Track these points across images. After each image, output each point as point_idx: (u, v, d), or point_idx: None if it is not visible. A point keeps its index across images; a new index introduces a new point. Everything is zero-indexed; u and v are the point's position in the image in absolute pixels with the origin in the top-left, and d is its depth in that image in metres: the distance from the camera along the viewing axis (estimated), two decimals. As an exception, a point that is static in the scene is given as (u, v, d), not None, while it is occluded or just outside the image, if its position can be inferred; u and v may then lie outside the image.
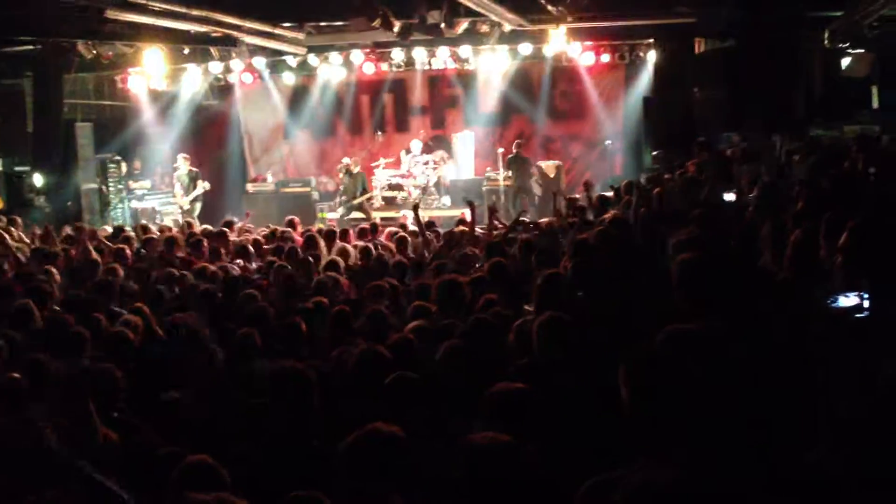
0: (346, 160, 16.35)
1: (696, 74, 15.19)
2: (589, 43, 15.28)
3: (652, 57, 15.58)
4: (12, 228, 11.73)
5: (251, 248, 9.83)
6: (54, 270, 8.47)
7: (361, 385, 4.45)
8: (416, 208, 10.64)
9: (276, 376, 4.04)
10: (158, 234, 11.34)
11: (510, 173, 16.31)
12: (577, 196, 12.47)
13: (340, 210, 16.20)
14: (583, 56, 15.71)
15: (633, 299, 5.35)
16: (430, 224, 11.30)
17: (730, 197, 7.34)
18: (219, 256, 9.49)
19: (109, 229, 13.42)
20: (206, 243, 9.94)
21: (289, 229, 11.37)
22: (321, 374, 4.54)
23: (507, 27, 14.12)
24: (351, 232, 11.26)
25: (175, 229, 12.51)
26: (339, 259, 8.76)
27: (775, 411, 3.46)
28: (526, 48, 15.34)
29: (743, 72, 13.81)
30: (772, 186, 6.65)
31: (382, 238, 10.83)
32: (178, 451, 3.70)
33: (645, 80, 16.53)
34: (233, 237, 10.85)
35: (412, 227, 12.67)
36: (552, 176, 16.31)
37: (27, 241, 11.24)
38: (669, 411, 2.96)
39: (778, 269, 4.90)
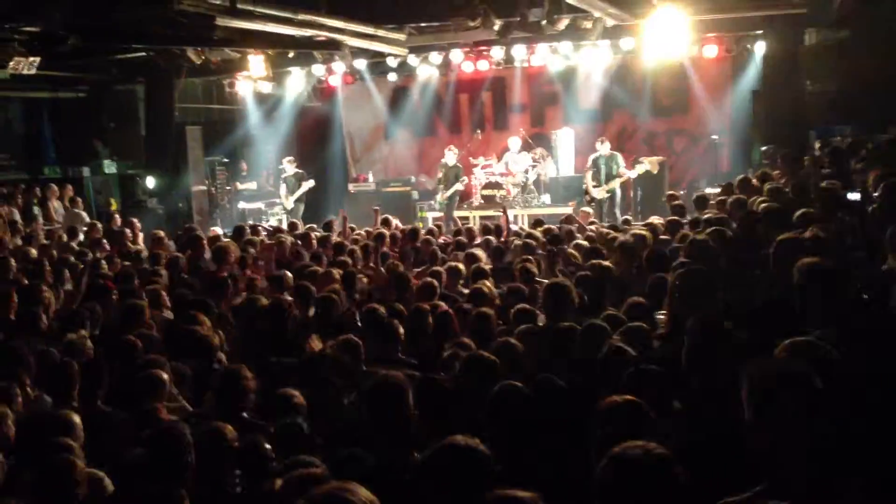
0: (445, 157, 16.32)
1: (807, 67, 14.63)
2: (694, 36, 14.87)
3: (760, 49, 15.07)
4: (127, 230, 12.20)
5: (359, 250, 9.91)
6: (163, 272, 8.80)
7: (467, 391, 4.41)
8: (504, 210, 10.66)
9: (373, 388, 4.01)
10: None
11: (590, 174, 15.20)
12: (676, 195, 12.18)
13: (438, 207, 16.29)
14: (688, 50, 15.31)
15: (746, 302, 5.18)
16: (538, 223, 11.21)
17: (854, 196, 6.99)
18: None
19: (219, 230, 13.81)
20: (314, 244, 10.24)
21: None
22: (427, 380, 4.53)
23: (610, 22, 13.87)
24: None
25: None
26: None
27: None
28: (628, 43, 15.06)
29: (857, 64, 13.24)
30: (892, 186, 6.31)
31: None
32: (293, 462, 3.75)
33: (752, 72, 16.01)
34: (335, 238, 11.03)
35: (512, 226, 12.65)
36: (655, 172, 15.94)
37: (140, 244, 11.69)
38: (791, 430, 2.82)
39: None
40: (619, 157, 14.93)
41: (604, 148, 14.86)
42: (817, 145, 12.12)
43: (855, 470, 2.82)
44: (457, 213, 16.15)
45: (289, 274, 8.21)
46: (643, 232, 8.54)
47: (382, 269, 9.04)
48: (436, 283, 7.59)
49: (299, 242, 10.57)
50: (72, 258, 9.71)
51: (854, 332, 4.03)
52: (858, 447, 2.94)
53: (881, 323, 4.38)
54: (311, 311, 7.07)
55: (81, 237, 12.06)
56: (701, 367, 4.04)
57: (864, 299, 4.83)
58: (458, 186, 16.21)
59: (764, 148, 13.96)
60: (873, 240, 5.62)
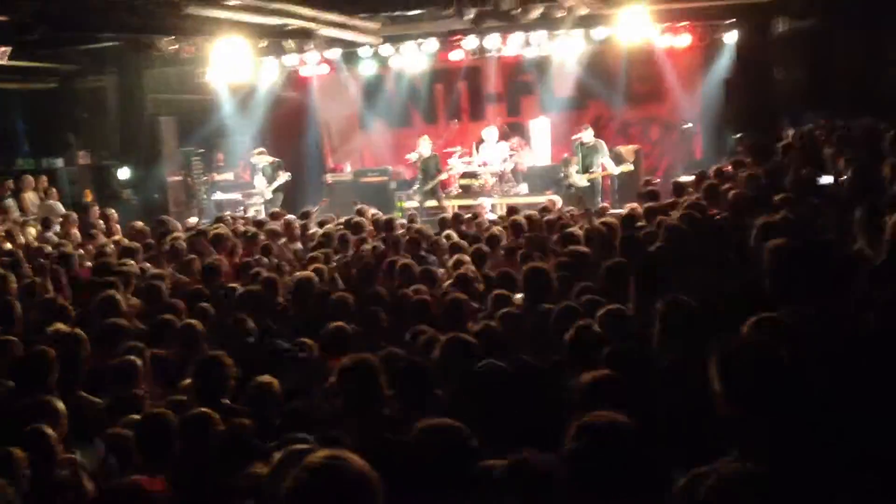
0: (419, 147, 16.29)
1: (778, 55, 14.78)
2: (666, 25, 15.00)
3: (731, 38, 15.21)
4: (101, 222, 12.14)
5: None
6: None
7: (447, 373, 4.47)
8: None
9: (345, 368, 4.05)
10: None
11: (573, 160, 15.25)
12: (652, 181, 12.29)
13: (417, 197, 16.24)
14: (660, 38, 15.43)
15: (721, 284, 5.28)
16: (512, 210, 11.30)
17: (826, 180, 7.12)
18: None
19: (194, 220, 13.76)
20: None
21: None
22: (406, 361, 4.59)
23: (583, 11, 13.94)
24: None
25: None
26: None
27: (873, 406, 3.35)
28: (601, 32, 15.12)
29: (825, 50, 13.40)
30: (865, 169, 6.44)
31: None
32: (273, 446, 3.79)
33: (725, 61, 16.15)
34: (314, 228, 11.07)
35: (490, 215, 12.73)
36: (631, 160, 16.03)
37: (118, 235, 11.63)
38: (759, 403, 2.90)
39: (874, 254, 4.76)
40: (604, 146, 14.95)
41: (587, 135, 14.86)
42: (790, 132, 12.26)
43: (818, 439, 2.92)
44: (431, 203, 16.12)
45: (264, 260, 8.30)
46: (613, 220, 8.70)
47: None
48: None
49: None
50: (48, 249, 9.66)
51: (819, 312, 4.14)
52: (821, 418, 3.04)
53: (845, 303, 4.47)
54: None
55: (57, 228, 11.99)
56: (671, 347, 4.14)
57: (833, 279, 4.93)
58: (442, 176, 16.21)
59: (736, 136, 14.10)
60: (844, 222, 5.72)
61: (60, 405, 4.44)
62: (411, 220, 12.13)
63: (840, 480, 2.86)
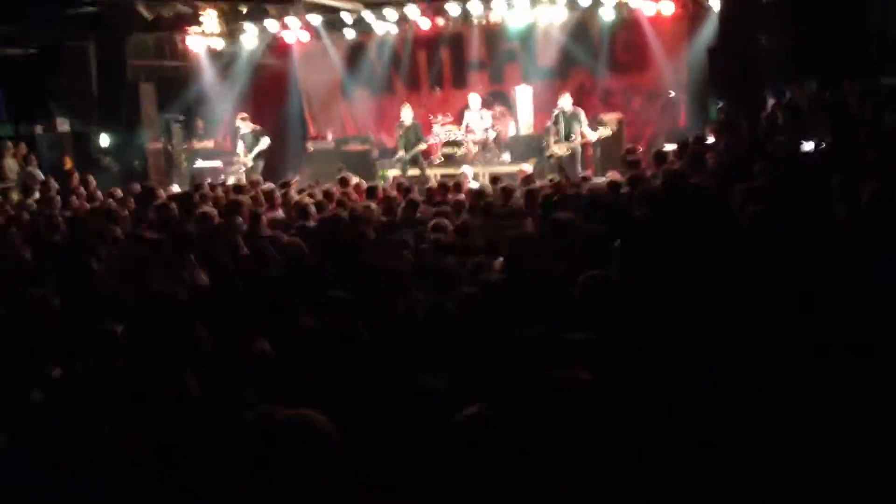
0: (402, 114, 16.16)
1: (762, 23, 14.75)
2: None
3: (716, 5, 15.17)
4: (82, 188, 12.04)
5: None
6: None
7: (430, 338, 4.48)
8: None
9: (322, 333, 4.05)
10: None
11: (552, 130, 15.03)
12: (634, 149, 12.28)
13: (399, 166, 16.13)
14: (644, 6, 15.38)
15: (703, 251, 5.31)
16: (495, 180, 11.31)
17: (808, 146, 7.15)
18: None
19: (177, 188, 13.67)
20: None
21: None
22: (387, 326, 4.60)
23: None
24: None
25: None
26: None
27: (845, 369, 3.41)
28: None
29: (809, 17, 13.39)
30: (842, 136, 6.47)
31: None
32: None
33: (709, 30, 16.10)
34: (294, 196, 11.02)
35: (472, 184, 12.71)
36: (613, 129, 16.01)
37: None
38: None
39: (850, 220, 4.80)
40: (582, 114, 14.87)
41: (566, 103, 14.79)
42: (771, 101, 12.29)
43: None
44: (413, 172, 16.03)
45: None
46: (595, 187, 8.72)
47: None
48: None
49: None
50: (26, 215, 9.59)
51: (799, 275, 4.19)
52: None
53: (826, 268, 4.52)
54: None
55: (37, 195, 11.89)
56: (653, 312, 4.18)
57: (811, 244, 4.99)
58: (422, 146, 16.09)
59: (719, 105, 14.12)
60: (824, 188, 5.77)
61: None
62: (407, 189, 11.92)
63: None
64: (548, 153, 14.87)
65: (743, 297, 3.75)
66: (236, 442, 3.12)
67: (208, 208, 9.21)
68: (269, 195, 10.78)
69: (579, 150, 14.82)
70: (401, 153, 15.89)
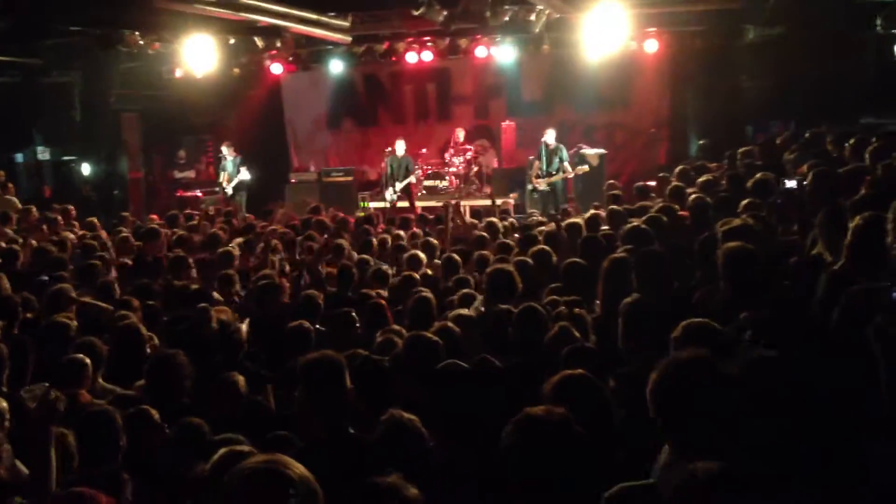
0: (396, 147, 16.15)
1: (744, 62, 14.92)
2: (635, 31, 15.05)
3: (698, 45, 15.32)
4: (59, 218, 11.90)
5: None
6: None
7: (410, 371, 4.43)
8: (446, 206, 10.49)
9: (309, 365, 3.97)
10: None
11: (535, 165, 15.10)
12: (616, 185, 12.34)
13: (388, 195, 16.06)
14: (629, 44, 15.48)
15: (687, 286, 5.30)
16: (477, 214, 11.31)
17: (791, 184, 7.19)
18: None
19: (155, 218, 13.58)
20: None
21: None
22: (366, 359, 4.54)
23: (553, 15, 13.97)
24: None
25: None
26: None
27: (832, 406, 3.36)
28: (571, 37, 15.13)
29: (791, 60, 13.55)
30: (826, 173, 6.50)
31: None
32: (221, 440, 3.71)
33: (691, 68, 16.26)
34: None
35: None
36: (595, 164, 16.08)
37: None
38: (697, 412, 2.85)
39: (834, 257, 4.77)
40: (564, 151, 14.95)
41: (550, 137, 14.85)
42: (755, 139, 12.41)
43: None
44: (403, 204, 16.00)
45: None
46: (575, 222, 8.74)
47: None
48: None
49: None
50: (2, 244, 9.46)
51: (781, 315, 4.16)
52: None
53: (809, 306, 4.50)
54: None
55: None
56: (633, 349, 4.13)
57: (792, 282, 4.97)
58: (411, 179, 16.08)
59: (701, 142, 14.22)
60: (806, 226, 5.77)
61: (3, 404, 4.30)
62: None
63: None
64: (530, 187, 14.90)
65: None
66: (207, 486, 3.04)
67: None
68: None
69: (560, 184, 14.89)
70: (393, 187, 15.82)
